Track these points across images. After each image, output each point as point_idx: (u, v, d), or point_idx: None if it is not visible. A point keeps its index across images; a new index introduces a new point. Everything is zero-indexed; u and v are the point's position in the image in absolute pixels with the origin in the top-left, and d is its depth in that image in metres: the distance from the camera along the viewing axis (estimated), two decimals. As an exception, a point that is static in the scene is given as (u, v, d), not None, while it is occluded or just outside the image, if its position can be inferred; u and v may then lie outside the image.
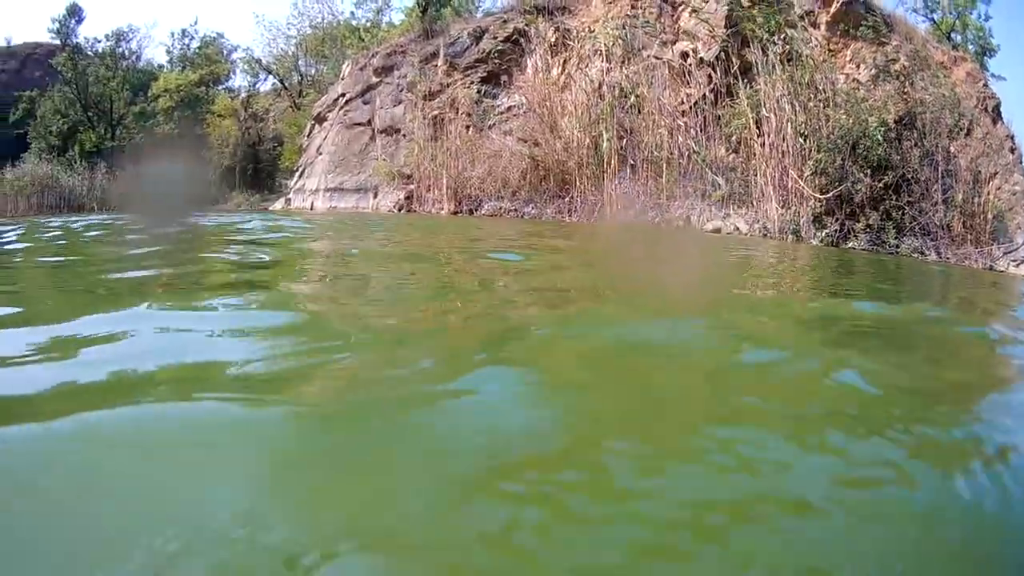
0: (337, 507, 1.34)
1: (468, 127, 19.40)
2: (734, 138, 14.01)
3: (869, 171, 11.58)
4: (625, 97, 15.87)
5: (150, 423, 1.69)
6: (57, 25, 39.31)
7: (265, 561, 1.15)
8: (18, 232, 9.20)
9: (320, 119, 25.83)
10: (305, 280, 4.79)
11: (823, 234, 11.49)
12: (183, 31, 40.24)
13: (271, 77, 37.91)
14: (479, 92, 19.79)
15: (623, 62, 16.62)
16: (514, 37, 19.80)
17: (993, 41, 24.45)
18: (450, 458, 1.56)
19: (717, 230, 12.60)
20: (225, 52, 39.91)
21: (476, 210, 18.00)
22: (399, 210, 20.05)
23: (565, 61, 18.16)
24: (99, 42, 39.94)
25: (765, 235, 12.02)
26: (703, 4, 16.12)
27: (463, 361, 2.36)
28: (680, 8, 16.79)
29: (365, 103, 23.39)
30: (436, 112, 20.17)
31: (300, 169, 26.43)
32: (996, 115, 13.79)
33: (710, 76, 15.11)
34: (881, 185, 11.43)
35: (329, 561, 1.16)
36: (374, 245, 7.70)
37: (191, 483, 1.41)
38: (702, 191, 13.72)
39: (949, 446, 1.91)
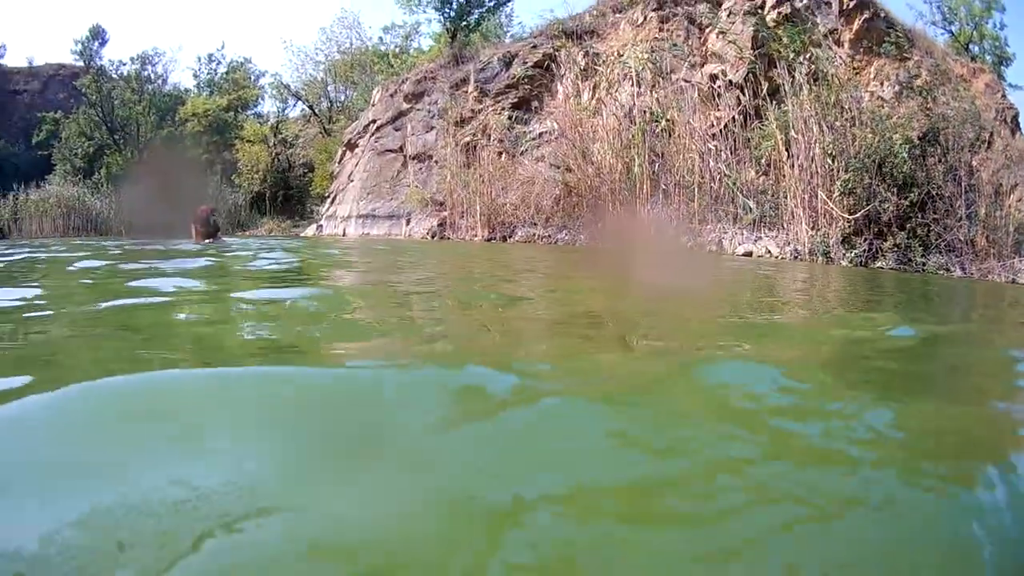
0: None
1: (500, 153, 20.29)
2: (763, 160, 14.68)
3: (895, 189, 12.21)
4: (656, 121, 16.57)
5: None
6: (80, 47, 40.58)
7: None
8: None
9: (351, 145, 26.83)
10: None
11: (852, 254, 12.14)
12: (210, 56, 41.41)
13: (300, 103, 38.97)
14: (510, 118, 20.67)
15: (653, 86, 17.38)
16: (544, 63, 20.68)
17: (1009, 50, 24.87)
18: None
19: (749, 253, 13.31)
20: (253, 77, 41.06)
21: (509, 236, 18.83)
22: (432, 237, 20.95)
23: (595, 86, 18.97)
24: (124, 65, 41.01)
25: (796, 257, 12.69)
26: (730, 25, 16.93)
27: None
28: (707, 30, 17.61)
29: (396, 129, 24.38)
30: (468, 138, 21.08)
31: (331, 195, 27.44)
32: (1015, 126, 14.45)
33: (739, 98, 15.82)
34: (907, 203, 12.05)
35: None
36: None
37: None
38: (733, 215, 14.40)
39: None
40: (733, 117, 15.72)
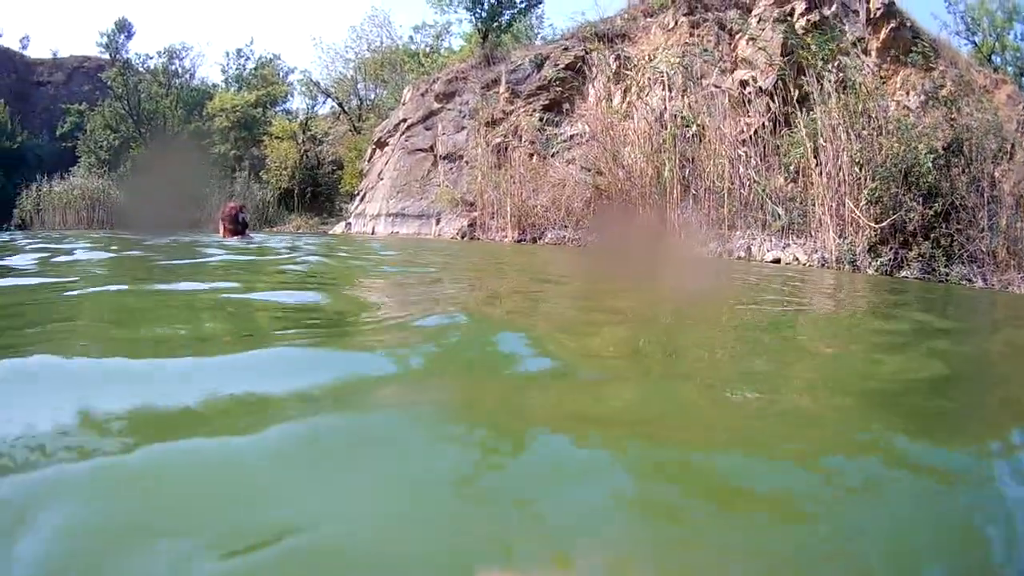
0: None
1: (531, 155, 21.01)
2: (792, 167, 15.30)
3: (920, 199, 12.79)
4: (687, 126, 17.19)
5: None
6: (106, 39, 41.60)
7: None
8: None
9: (381, 144, 27.68)
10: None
11: (878, 263, 12.75)
12: (238, 51, 42.51)
13: (329, 100, 40.03)
14: (541, 120, 21.40)
15: (684, 91, 18.04)
16: (576, 65, 21.44)
17: (1030, 61, 25.20)
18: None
19: (777, 260, 14.02)
20: (281, 74, 42.04)
21: (539, 238, 19.52)
22: (462, 237, 21.71)
23: (626, 89, 19.66)
24: (150, 58, 42.11)
25: (823, 265, 13.37)
26: (759, 32, 17.60)
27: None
28: (737, 36, 18.30)
29: (427, 129, 25.21)
30: (499, 139, 21.85)
31: (361, 193, 28.33)
32: (1036, 137, 14.92)
33: (768, 105, 16.47)
34: (931, 213, 12.66)
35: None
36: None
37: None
38: (762, 221, 15.08)
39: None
40: (763, 123, 16.35)
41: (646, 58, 19.64)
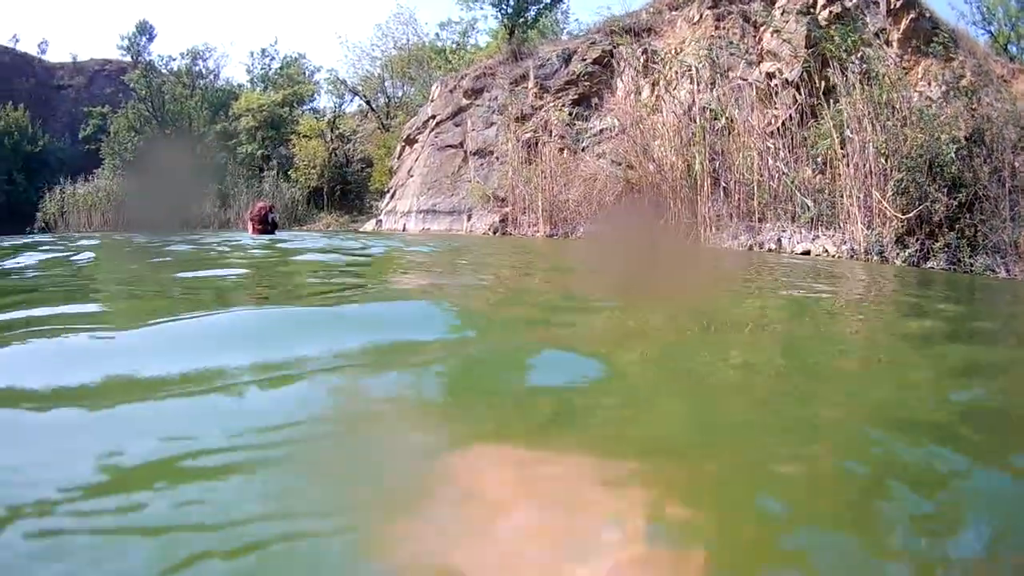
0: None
1: (561, 149, 21.71)
2: (820, 159, 15.93)
3: (945, 190, 13.27)
4: (716, 119, 17.80)
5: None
6: (127, 42, 42.72)
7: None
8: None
9: (410, 141, 28.50)
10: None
11: (905, 254, 13.30)
12: (263, 51, 43.39)
13: (357, 98, 40.85)
14: (571, 114, 22.15)
15: (711, 83, 18.69)
16: (603, 59, 22.16)
17: (1045, 51, 25.40)
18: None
19: (807, 252, 14.69)
20: (307, 73, 42.88)
21: (571, 233, 20.18)
22: (494, 233, 22.48)
23: (654, 83, 20.36)
24: (173, 60, 43.17)
25: (852, 256, 13.97)
26: (783, 24, 18.24)
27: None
28: (762, 28, 18.94)
29: (456, 125, 26.01)
30: (529, 134, 22.61)
31: (391, 190, 29.22)
32: (1053, 128, 15.36)
33: (795, 96, 17.09)
34: (956, 204, 13.17)
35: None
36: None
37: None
38: (792, 213, 15.75)
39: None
40: (790, 115, 16.96)
41: (673, 51, 20.30)
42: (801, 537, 1.30)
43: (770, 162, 16.68)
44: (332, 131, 38.26)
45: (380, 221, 28.95)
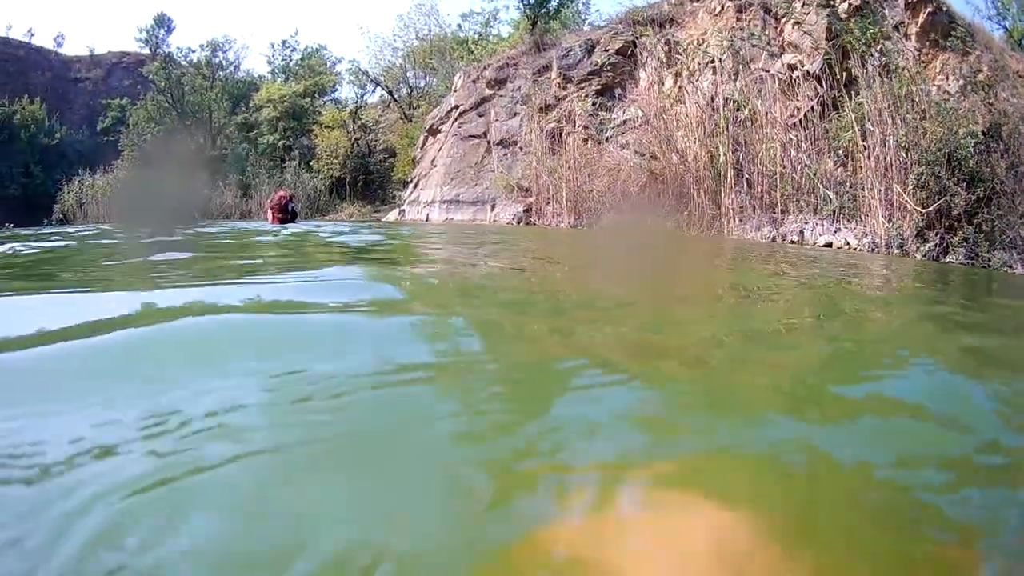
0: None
1: (585, 140, 22.23)
2: (841, 151, 16.35)
3: (964, 184, 13.62)
4: (739, 110, 18.24)
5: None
6: (145, 35, 43.34)
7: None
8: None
9: (434, 131, 29.08)
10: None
11: (925, 248, 13.68)
12: (283, 42, 43.65)
13: (379, 89, 41.37)
14: (594, 105, 22.65)
15: (734, 75, 19.16)
16: (626, 50, 22.69)
17: (1059, 45, 25.57)
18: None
19: (829, 244, 15.20)
20: (329, 63, 43.49)
21: (595, 223, 20.61)
22: (518, 223, 23.00)
23: (677, 74, 20.85)
24: (192, 52, 43.78)
25: (873, 249, 14.45)
26: (804, 16, 18.69)
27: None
28: (783, 20, 19.37)
29: (480, 115, 26.56)
30: (552, 125, 23.13)
31: (414, 181, 29.78)
32: (1067, 123, 15.72)
33: (816, 88, 17.56)
34: (974, 198, 13.53)
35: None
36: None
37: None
38: (814, 205, 16.27)
39: None
40: (812, 107, 17.40)
41: (695, 42, 20.76)
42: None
43: (792, 154, 17.03)
44: (354, 121, 38.80)
45: (403, 211, 29.46)
